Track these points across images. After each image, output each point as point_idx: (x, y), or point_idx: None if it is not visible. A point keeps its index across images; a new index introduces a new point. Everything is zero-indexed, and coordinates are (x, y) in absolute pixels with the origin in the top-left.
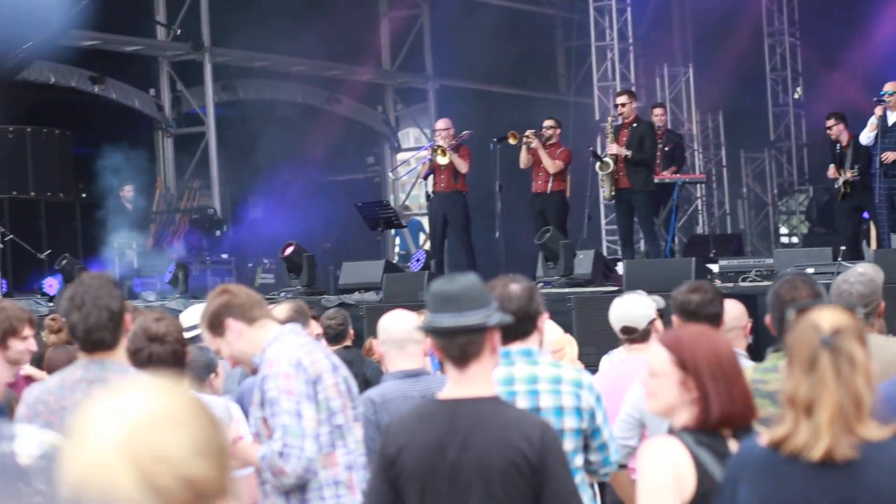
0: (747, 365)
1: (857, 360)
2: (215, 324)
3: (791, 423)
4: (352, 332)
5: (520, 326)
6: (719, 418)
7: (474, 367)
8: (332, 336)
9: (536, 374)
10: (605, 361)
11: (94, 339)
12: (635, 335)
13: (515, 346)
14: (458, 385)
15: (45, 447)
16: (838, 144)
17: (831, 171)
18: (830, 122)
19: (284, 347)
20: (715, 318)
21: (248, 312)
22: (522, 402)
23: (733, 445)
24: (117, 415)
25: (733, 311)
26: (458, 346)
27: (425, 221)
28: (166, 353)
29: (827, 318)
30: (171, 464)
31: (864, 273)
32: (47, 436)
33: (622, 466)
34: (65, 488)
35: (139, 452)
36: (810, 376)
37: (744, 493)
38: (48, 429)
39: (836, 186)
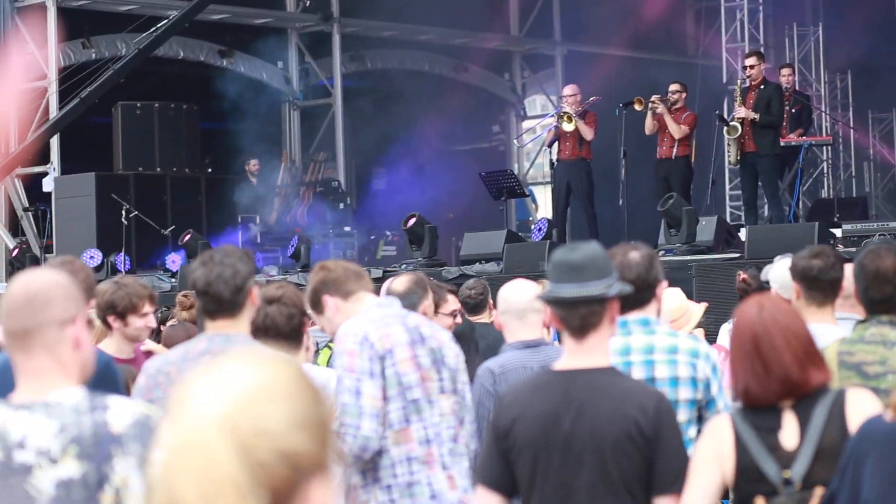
0: (837, 336)
1: None
2: (315, 301)
3: None
4: (491, 302)
5: (638, 295)
6: (743, 394)
7: (592, 337)
8: (472, 306)
9: (653, 343)
10: (725, 330)
11: (213, 292)
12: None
13: (633, 316)
14: (574, 355)
15: (138, 416)
16: None
17: None
18: None
19: (355, 323)
20: (835, 284)
21: (342, 287)
22: (638, 372)
23: (789, 419)
24: (218, 387)
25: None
26: (580, 317)
27: (547, 190)
28: (282, 317)
29: None
30: (271, 437)
31: None
32: (140, 406)
33: None
34: (163, 460)
35: (239, 426)
36: None
37: (868, 470)
38: (167, 400)
39: None
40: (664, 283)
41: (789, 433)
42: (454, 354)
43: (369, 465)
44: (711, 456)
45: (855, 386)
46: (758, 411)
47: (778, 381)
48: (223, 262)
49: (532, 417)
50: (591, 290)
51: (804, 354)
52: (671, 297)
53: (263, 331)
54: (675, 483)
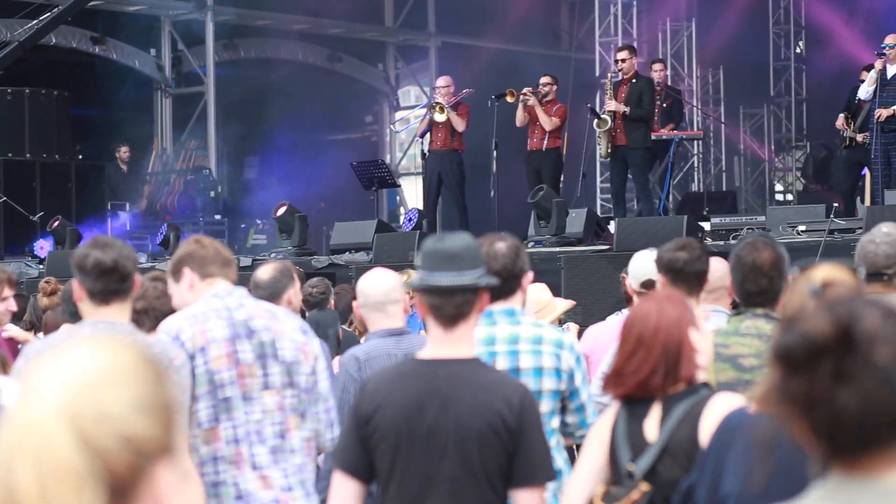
0: (712, 328)
1: None
2: (175, 269)
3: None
4: (332, 301)
5: (504, 286)
6: (614, 381)
7: (461, 327)
8: (313, 304)
9: (518, 334)
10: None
11: (121, 268)
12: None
13: (498, 306)
14: (440, 345)
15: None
16: (857, 98)
17: (840, 120)
18: (865, 75)
19: (173, 319)
20: (700, 276)
21: (204, 267)
22: (503, 363)
23: (655, 411)
24: (59, 372)
25: (718, 269)
26: (455, 306)
27: (419, 181)
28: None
29: (821, 272)
30: (112, 422)
31: (889, 233)
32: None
33: None
34: (2, 446)
35: (79, 411)
36: None
37: (731, 462)
38: None
39: (843, 135)
40: (530, 274)
41: (652, 426)
42: (293, 347)
43: None
44: (597, 436)
45: (730, 378)
46: (636, 399)
47: (653, 373)
48: (120, 245)
49: (395, 406)
50: (468, 279)
51: (679, 350)
52: (536, 291)
53: (135, 301)
54: (535, 476)
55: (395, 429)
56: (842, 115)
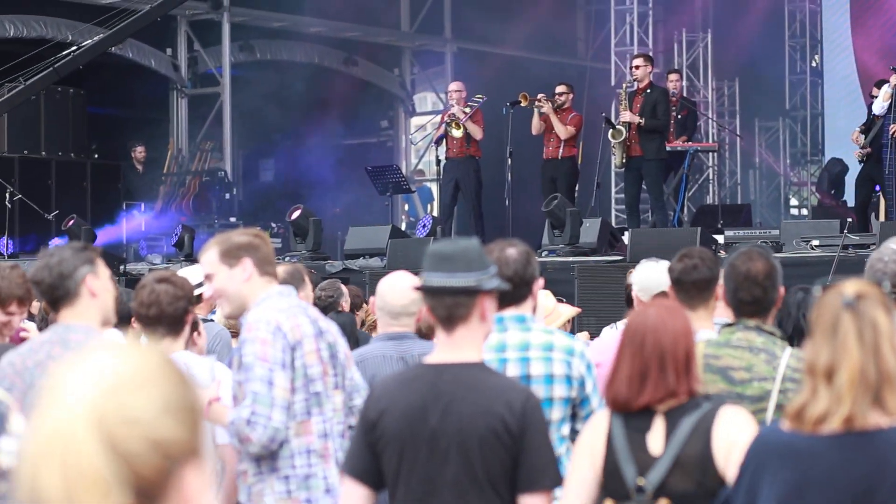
0: (703, 338)
1: (882, 326)
2: (234, 254)
3: (809, 391)
4: (343, 304)
5: (515, 292)
6: (614, 394)
7: (461, 330)
8: (322, 308)
9: (528, 340)
10: (608, 331)
11: (37, 280)
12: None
13: (509, 312)
14: (444, 349)
15: None
16: (872, 113)
17: (854, 134)
18: (877, 91)
19: (265, 311)
20: (701, 285)
21: (266, 265)
22: (513, 369)
23: (658, 424)
24: (84, 377)
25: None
26: (445, 307)
27: (436, 187)
28: (168, 296)
29: (851, 286)
30: (139, 425)
31: None
32: None
33: None
34: (28, 451)
35: (105, 415)
36: (832, 341)
37: (766, 480)
38: (12, 390)
39: (859, 150)
40: (541, 281)
41: (656, 439)
42: (343, 350)
43: (266, 456)
44: (587, 448)
45: (720, 390)
46: (634, 412)
47: (653, 384)
48: (52, 254)
49: (399, 410)
50: (459, 281)
51: (683, 362)
52: (541, 297)
53: (147, 307)
54: (540, 481)
55: (399, 433)
56: (857, 129)
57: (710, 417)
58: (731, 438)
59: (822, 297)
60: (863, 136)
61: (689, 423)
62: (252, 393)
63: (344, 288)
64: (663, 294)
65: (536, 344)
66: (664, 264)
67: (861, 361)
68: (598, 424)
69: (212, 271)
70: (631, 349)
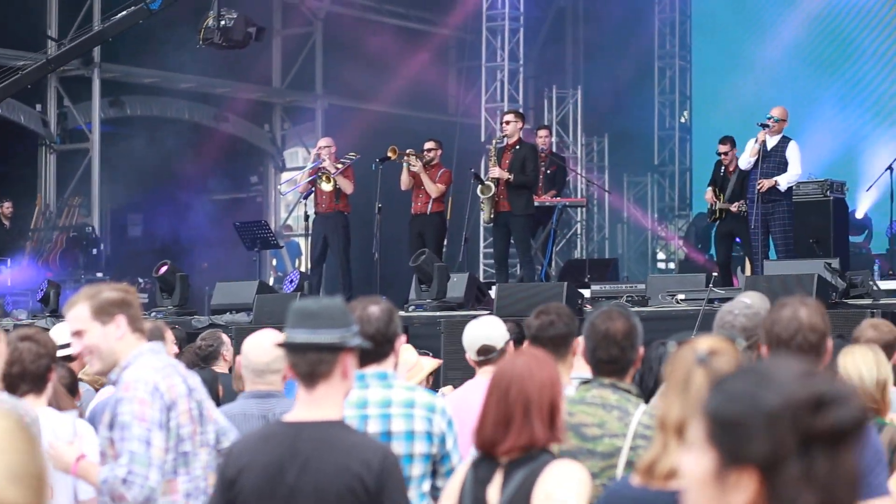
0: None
1: None
2: (107, 310)
3: (660, 446)
4: (225, 353)
5: (377, 349)
6: (478, 443)
7: (322, 388)
8: (203, 357)
9: (390, 397)
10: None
11: None
12: (492, 356)
13: (371, 369)
14: (304, 407)
15: None
16: (724, 168)
17: (708, 194)
18: (724, 147)
19: (142, 370)
20: (557, 341)
21: (137, 321)
22: (374, 426)
23: (498, 476)
24: None
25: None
26: (308, 364)
27: (304, 242)
28: (30, 355)
29: (705, 342)
30: None
31: (749, 305)
32: None
33: None
34: None
35: None
36: (684, 396)
37: None
38: None
39: (710, 209)
40: (403, 338)
41: (494, 491)
42: (209, 406)
43: None
44: (452, 498)
45: (573, 446)
46: (482, 462)
47: (517, 431)
48: None
49: (258, 468)
50: (323, 337)
51: (548, 412)
52: (402, 351)
53: (10, 365)
54: None
55: (256, 491)
56: (709, 189)
57: (538, 470)
58: (549, 491)
59: (676, 353)
60: (720, 194)
61: (521, 476)
62: (129, 452)
63: (225, 337)
64: (486, 348)
65: (398, 401)
66: (484, 321)
67: None
68: (459, 473)
69: (83, 328)
70: (497, 395)
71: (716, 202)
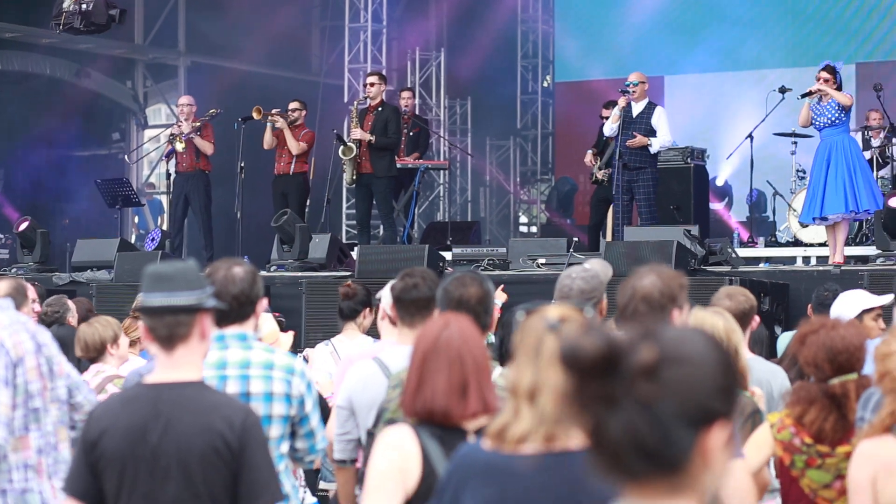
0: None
1: None
2: None
3: (511, 412)
4: (70, 319)
5: (239, 310)
6: (419, 410)
7: (181, 349)
8: (48, 324)
9: (249, 358)
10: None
11: None
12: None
13: (231, 330)
14: (164, 369)
15: None
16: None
17: (588, 157)
18: (608, 112)
19: None
20: (420, 303)
21: None
22: (233, 387)
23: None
24: None
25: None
26: (166, 326)
27: (166, 200)
28: None
29: (555, 309)
30: None
31: (588, 269)
32: None
33: (351, 462)
34: None
35: None
36: (535, 362)
37: (467, 497)
38: None
39: (591, 174)
40: (264, 301)
41: None
42: (60, 362)
43: None
44: (395, 468)
45: None
46: (445, 434)
47: (475, 398)
48: None
49: (120, 430)
50: (178, 299)
51: (464, 382)
52: (265, 323)
53: None
54: (261, 496)
55: (119, 453)
56: (590, 152)
57: None
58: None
59: (526, 321)
60: (599, 158)
61: None
62: None
63: (71, 303)
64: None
65: (257, 362)
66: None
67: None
68: (403, 442)
69: None
70: (447, 360)
71: (593, 165)
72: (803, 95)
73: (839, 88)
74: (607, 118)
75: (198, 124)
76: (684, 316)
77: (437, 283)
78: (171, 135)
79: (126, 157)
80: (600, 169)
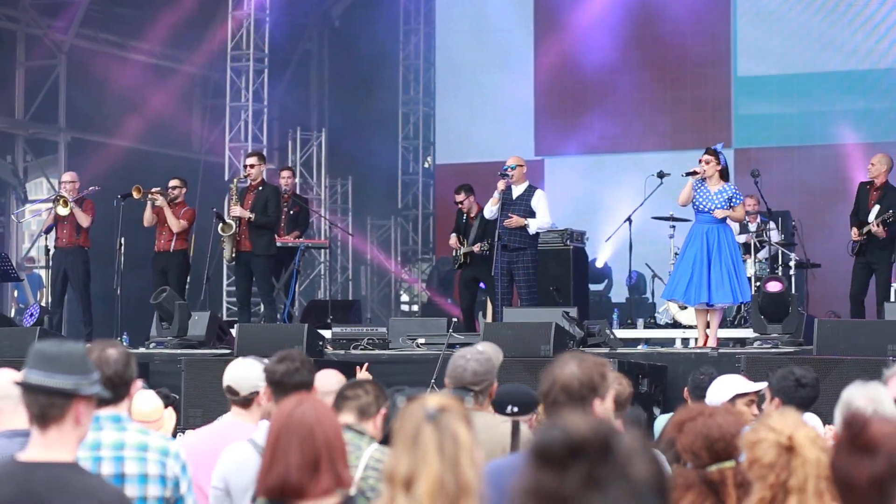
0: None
1: (462, 439)
2: None
3: (387, 499)
4: None
5: (114, 391)
6: (272, 485)
7: (54, 431)
8: None
9: (123, 440)
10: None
11: None
12: (237, 399)
13: (105, 412)
14: (38, 447)
15: None
16: (465, 216)
17: (453, 240)
18: (461, 197)
19: None
20: (302, 387)
21: None
22: (108, 468)
23: None
24: None
25: (328, 379)
26: (39, 406)
27: (45, 274)
28: None
29: (434, 399)
30: None
31: (482, 352)
32: None
33: None
34: None
35: None
36: (413, 451)
37: None
38: None
39: (454, 255)
40: (138, 382)
41: None
42: None
43: None
44: None
45: None
46: None
47: (327, 475)
48: None
49: None
50: (54, 381)
51: (343, 457)
52: (148, 400)
53: None
54: None
55: None
56: (453, 236)
57: None
58: None
59: (405, 408)
60: (464, 240)
61: None
62: None
63: None
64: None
65: (131, 444)
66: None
67: (440, 473)
68: None
69: None
70: (298, 438)
71: (459, 248)
72: (687, 174)
73: (724, 171)
74: (461, 202)
75: (79, 196)
76: (607, 405)
77: (313, 367)
78: (55, 198)
79: (14, 216)
80: (482, 249)
